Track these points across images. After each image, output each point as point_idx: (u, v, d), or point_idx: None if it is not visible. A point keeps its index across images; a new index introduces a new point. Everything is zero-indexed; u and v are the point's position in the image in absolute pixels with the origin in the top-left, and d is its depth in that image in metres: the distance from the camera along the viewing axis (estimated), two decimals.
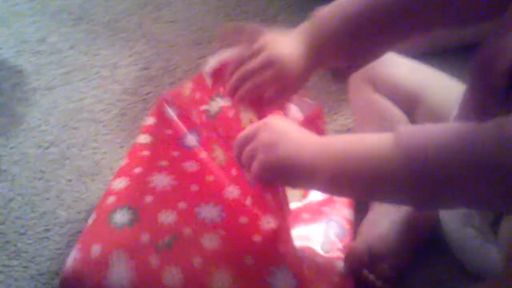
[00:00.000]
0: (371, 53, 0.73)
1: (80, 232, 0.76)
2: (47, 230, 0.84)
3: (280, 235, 0.66)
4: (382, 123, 0.85)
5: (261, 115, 0.70)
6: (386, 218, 0.80)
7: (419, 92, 0.85)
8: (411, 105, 0.86)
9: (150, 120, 0.81)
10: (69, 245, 0.80)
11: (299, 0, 1.23)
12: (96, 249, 0.67)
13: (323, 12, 0.72)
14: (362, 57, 0.72)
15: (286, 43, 0.73)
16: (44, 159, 0.94)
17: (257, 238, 0.67)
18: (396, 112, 0.86)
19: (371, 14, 0.69)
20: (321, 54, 0.71)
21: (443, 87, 0.86)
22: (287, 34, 0.74)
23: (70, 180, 0.91)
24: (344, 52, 0.71)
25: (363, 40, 0.70)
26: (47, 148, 0.96)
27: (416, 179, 0.56)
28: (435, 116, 0.83)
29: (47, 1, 1.28)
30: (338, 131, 0.99)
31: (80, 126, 1.00)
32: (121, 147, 0.96)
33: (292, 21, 1.25)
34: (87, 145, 0.96)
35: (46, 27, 1.21)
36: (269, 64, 0.70)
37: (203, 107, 0.77)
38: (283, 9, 1.24)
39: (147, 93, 1.07)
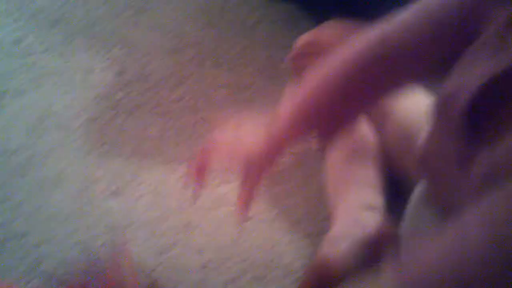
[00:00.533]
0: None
1: (37, 245, 0.74)
2: (3, 241, 0.82)
3: None
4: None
5: None
6: (348, 237, 0.78)
7: (388, 107, 0.83)
8: (381, 119, 0.85)
9: None
10: (25, 259, 0.78)
11: (279, 9, 1.21)
12: None
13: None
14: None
15: None
16: (6, 167, 0.92)
17: None
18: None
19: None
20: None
21: (412, 102, 0.84)
22: None
23: (30, 190, 0.89)
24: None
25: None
26: (10, 156, 0.94)
27: None
28: (403, 132, 0.82)
29: (26, 2, 1.26)
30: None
31: (46, 133, 0.98)
32: (88, 154, 0.95)
33: (272, 30, 1.25)
34: (52, 153, 0.94)
35: (22, 29, 1.19)
36: None
37: None
38: (263, 18, 1.22)
39: (119, 99, 1.05)
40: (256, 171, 0.68)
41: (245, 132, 0.72)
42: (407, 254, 0.63)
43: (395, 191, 0.82)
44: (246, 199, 0.67)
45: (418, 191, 0.75)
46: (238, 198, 0.67)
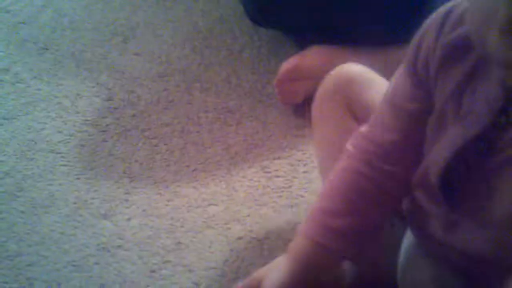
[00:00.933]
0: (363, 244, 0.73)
1: (30, 265, 0.75)
2: None
3: None
4: None
5: None
6: None
7: None
8: None
9: None
10: (17, 279, 0.79)
11: (263, 35, 1.24)
12: None
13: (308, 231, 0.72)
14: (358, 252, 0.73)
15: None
16: None
17: None
18: None
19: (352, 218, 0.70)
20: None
21: None
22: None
23: (23, 212, 0.90)
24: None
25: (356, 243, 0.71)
26: (2, 178, 0.95)
27: None
28: None
29: (14, 29, 1.28)
30: (294, 165, 1.00)
31: (37, 157, 0.99)
32: (78, 178, 0.96)
33: (257, 55, 1.28)
34: (43, 176, 0.96)
35: (11, 57, 1.21)
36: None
37: None
38: (248, 44, 1.24)
39: (107, 125, 1.06)
40: None
41: None
42: None
43: None
44: None
45: (409, 239, 0.76)
46: None
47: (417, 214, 0.72)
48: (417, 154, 0.69)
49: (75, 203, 0.93)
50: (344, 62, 1.09)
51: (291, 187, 0.95)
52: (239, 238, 0.88)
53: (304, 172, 0.97)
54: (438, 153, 0.65)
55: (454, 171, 0.64)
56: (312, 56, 1.09)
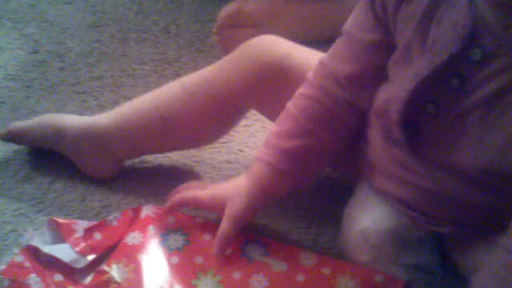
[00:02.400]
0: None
1: None
2: None
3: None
4: None
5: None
6: None
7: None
8: None
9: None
10: None
11: None
12: None
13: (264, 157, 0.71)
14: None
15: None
16: None
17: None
18: None
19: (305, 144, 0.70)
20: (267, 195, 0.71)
21: None
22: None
23: None
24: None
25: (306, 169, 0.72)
26: None
27: None
28: None
29: None
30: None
31: None
32: None
33: (200, 3, 1.19)
34: None
35: None
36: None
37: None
38: None
39: (32, 79, 0.97)
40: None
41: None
42: None
43: None
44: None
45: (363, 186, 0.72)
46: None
47: (371, 153, 0.68)
48: (374, 90, 0.66)
49: None
50: (288, 8, 1.03)
51: (231, 141, 0.88)
52: None
53: (245, 125, 0.89)
54: (401, 85, 0.61)
55: (418, 110, 0.60)
56: (254, 2, 1.01)
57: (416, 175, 0.63)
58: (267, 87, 0.76)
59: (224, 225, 0.69)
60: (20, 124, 0.84)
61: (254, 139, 0.88)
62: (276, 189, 0.71)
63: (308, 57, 0.76)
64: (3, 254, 0.72)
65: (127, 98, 0.92)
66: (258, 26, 0.98)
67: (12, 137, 0.84)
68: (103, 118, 0.83)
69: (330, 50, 0.71)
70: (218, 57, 0.89)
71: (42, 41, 1.04)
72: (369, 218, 0.68)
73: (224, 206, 0.70)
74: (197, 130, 0.81)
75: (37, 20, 1.09)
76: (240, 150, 0.87)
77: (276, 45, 0.77)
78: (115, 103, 0.93)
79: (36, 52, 1.02)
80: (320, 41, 0.97)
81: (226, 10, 0.99)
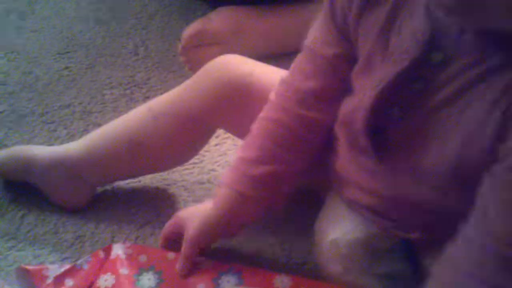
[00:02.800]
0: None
1: None
2: None
3: None
4: None
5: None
6: None
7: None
8: None
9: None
10: None
11: (173, 2, 1.16)
12: None
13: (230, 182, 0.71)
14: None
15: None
16: None
17: None
18: None
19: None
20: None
21: None
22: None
23: None
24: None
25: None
26: None
27: None
28: None
29: None
30: None
31: None
32: None
33: (168, 22, 1.19)
34: None
35: None
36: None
37: None
38: (157, 11, 1.15)
39: (1, 112, 0.97)
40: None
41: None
42: None
43: None
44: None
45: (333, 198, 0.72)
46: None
47: (340, 164, 0.68)
48: (338, 103, 0.67)
49: None
50: (251, 23, 1.03)
51: (202, 161, 0.88)
52: (147, 223, 0.81)
53: (216, 144, 0.89)
54: (364, 93, 0.61)
55: (382, 117, 0.60)
56: (217, 19, 1.01)
57: (383, 182, 0.64)
58: (231, 105, 0.76)
59: (183, 247, 0.70)
60: None
61: (226, 158, 0.88)
62: (247, 215, 0.71)
63: (270, 75, 0.76)
64: None
65: (97, 125, 0.92)
66: (223, 44, 0.98)
67: None
68: (73, 147, 0.82)
69: (292, 68, 0.71)
70: (187, 76, 0.88)
71: (10, 72, 1.04)
72: (339, 229, 0.68)
73: (184, 228, 0.71)
74: (167, 151, 0.80)
75: (4, 50, 1.08)
76: (212, 170, 0.87)
77: (238, 64, 0.78)
78: (84, 131, 0.93)
79: (4, 84, 1.02)
80: (286, 54, 0.98)
81: (189, 30, 0.98)
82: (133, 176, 0.85)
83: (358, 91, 0.64)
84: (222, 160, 0.88)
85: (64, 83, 1.02)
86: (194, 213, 0.72)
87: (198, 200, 0.83)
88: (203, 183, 0.86)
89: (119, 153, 0.80)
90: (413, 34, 0.58)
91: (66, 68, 1.05)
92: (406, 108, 0.60)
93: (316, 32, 0.69)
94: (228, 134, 0.89)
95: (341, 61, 0.66)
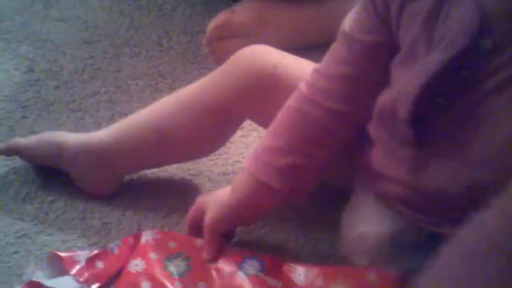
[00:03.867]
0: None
1: None
2: None
3: None
4: None
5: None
6: None
7: None
8: None
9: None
10: None
11: None
12: None
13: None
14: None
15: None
16: None
17: None
18: None
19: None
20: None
21: None
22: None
23: None
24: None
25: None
26: None
27: None
28: None
29: None
30: None
31: None
32: None
33: (190, 15, 1.20)
34: None
35: None
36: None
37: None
38: (180, 3, 1.16)
39: (28, 99, 0.98)
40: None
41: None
42: None
43: None
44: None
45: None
46: None
47: (374, 157, 0.68)
48: (371, 94, 0.66)
49: None
50: (276, 14, 1.04)
51: (227, 153, 0.89)
52: (173, 212, 0.82)
53: (241, 136, 0.90)
54: (409, 82, 0.60)
55: (427, 106, 0.60)
56: (241, 11, 1.02)
57: (423, 174, 0.63)
58: (258, 95, 0.76)
59: (204, 234, 0.72)
60: (20, 140, 0.85)
61: (250, 150, 0.89)
62: (265, 204, 0.72)
63: (298, 65, 0.77)
64: (6, 277, 0.73)
65: (123, 114, 0.94)
66: (248, 36, 0.99)
67: (11, 153, 0.85)
68: (102, 135, 0.84)
69: (327, 56, 0.71)
70: (211, 68, 0.90)
71: (36, 60, 1.05)
72: (367, 222, 0.69)
73: (205, 213, 0.73)
74: (194, 141, 0.81)
75: (30, 39, 1.09)
76: (237, 161, 0.88)
77: (266, 54, 0.78)
78: (111, 120, 0.94)
79: (30, 71, 1.03)
80: (312, 47, 0.99)
81: (215, 22, 1.00)
82: (160, 165, 0.86)
83: (398, 81, 0.63)
84: (247, 152, 0.89)
85: (89, 72, 1.03)
86: (214, 198, 0.73)
87: None
88: (227, 174, 0.87)
89: (147, 142, 0.81)
90: (460, 23, 0.57)
91: (91, 57, 1.06)
92: (452, 97, 0.59)
93: (354, 18, 0.68)
94: (254, 126, 0.90)
95: (380, 49, 0.66)
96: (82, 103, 0.98)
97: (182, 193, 0.85)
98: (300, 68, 0.75)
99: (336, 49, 0.69)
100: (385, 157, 0.66)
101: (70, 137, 0.84)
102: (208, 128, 0.80)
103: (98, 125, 0.93)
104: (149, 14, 1.15)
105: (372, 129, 0.68)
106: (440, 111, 0.60)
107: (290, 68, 0.76)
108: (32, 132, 0.92)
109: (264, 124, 0.79)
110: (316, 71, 0.70)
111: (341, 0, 1.00)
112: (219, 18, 1.00)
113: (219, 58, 1.01)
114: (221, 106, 0.78)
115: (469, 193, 0.61)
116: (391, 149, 0.65)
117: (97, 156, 0.81)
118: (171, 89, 0.99)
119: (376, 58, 0.66)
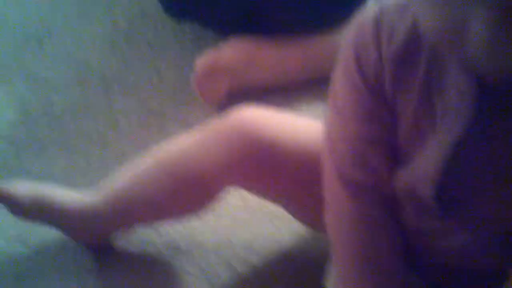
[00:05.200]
0: None
1: None
2: None
3: None
4: None
5: None
6: None
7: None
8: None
9: None
10: None
11: (186, 30, 1.19)
12: None
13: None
14: None
15: None
16: None
17: None
18: None
19: None
20: None
21: None
22: None
23: None
24: None
25: None
26: None
27: None
28: None
29: None
30: None
31: None
32: None
33: (180, 51, 1.23)
34: None
35: None
36: None
37: None
38: (170, 40, 1.19)
39: (21, 138, 1.01)
40: None
41: None
42: None
43: None
44: None
45: None
46: None
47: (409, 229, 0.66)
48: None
49: None
50: (263, 54, 1.06)
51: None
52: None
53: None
54: (427, 165, 0.60)
55: (449, 183, 0.59)
56: (229, 50, 1.05)
57: (454, 240, 0.62)
58: (254, 165, 0.75)
59: None
60: (11, 190, 0.84)
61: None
62: None
63: (296, 133, 0.76)
64: None
65: (113, 153, 0.97)
66: (235, 75, 1.02)
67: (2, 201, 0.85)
68: (92, 199, 0.84)
69: (355, 171, 0.65)
70: (200, 105, 0.93)
71: (29, 98, 1.08)
72: None
73: None
74: (182, 207, 0.81)
75: (23, 76, 1.12)
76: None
77: (264, 120, 0.77)
78: (102, 160, 0.97)
79: (24, 110, 1.06)
80: (297, 83, 1.02)
81: (202, 61, 1.02)
82: (148, 225, 0.87)
83: (413, 156, 0.62)
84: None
85: (81, 110, 1.06)
86: None
87: None
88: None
89: (136, 211, 0.82)
90: (459, 93, 0.56)
91: (83, 95, 1.09)
92: (472, 164, 0.58)
93: (343, 93, 0.64)
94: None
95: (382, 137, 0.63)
96: (73, 141, 1.01)
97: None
98: (298, 136, 0.75)
99: (361, 156, 0.64)
100: (412, 231, 0.65)
101: (61, 199, 0.84)
102: (196, 194, 0.79)
103: (89, 165, 0.96)
104: (140, 52, 1.18)
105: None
106: (463, 178, 0.59)
107: (287, 137, 0.75)
108: (25, 171, 0.95)
109: (257, 192, 0.80)
110: (360, 188, 0.65)
111: (327, 40, 1.04)
112: (207, 58, 1.02)
113: (208, 96, 1.04)
114: (209, 173, 0.76)
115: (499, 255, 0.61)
116: (421, 221, 0.64)
117: (90, 222, 0.83)
118: (161, 127, 1.02)
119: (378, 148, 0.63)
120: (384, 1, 0.60)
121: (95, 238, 0.85)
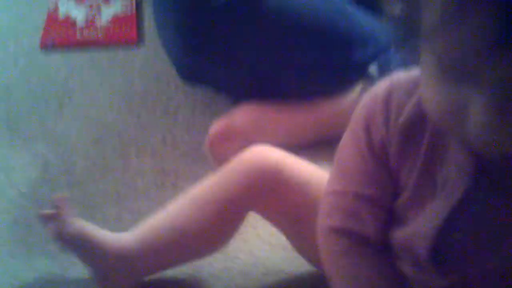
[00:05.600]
0: None
1: None
2: None
3: None
4: None
5: None
6: None
7: None
8: None
9: None
10: None
11: (198, 93, 1.26)
12: None
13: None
14: None
15: None
16: None
17: None
18: None
19: None
20: None
21: None
22: None
23: None
24: None
25: None
26: None
27: None
28: None
29: None
30: None
31: None
32: (13, 256, 0.95)
33: (192, 114, 1.29)
34: None
35: None
36: None
37: None
38: (183, 103, 1.25)
39: (43, 197, 1.06)
40: None
41: None
42: None
43: None
44: None
45: None
46: None
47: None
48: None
49: (11, 284, 0.92)
50: (274, 118, 1.12)
51: (227, 247, 0.96)
52: None
53: (239, 234, 0.99)
54: (424, 228, 0.64)
55: (444, 242, 0.64)
56: (241, 115, 1.10)
57: None
58: (263, 191, 0.84)
59: None
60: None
61: (248, 246, 0.97)
62: None
63: (298, 162, 0.85)
64: None
65: (129, 211, 1.02)
66: (246, 139, 1.07)
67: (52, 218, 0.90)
68: (127, 237, 0.89)
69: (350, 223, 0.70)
70: (212, 165, 0.98)
71: (51, 158, 1.14)
72: None
73: None
74: (210, 235, 0.87)
75: (45, 137, 1.18)
76: (236, 257, 0.96)
77: (268, 152, 0.87)
78: (118, 218, 1.02)
79: (45, 169, 1.12)
80: (310, 146, 1.08)
81: (215, 128, 1.08)
82: (179, 265, 0.92)
83: (409, 220, 0.66)
84: (245, 246, 0.96)
85: (99, 170, 1.12)
86: None
87: None
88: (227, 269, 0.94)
89: (170, 245, 0.87)
90: (459, 168, 0.60)
91: (101, 155, 1.15)
92: (468, 227, 0.62)
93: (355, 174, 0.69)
94: (249, 221, 0.96)
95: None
96: (92, 200, 1.06)
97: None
98: (300, 166, 0.84)
99: (356, 210, 0.69)
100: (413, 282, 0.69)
101: (106, 236, 0.89)
102: (220, 223, 0.87)
103: (105, 222, 1.01)
104: (155, 114, 1.25)
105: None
106: (458, 239, 0.63)
107: (291, 163, 0.85)
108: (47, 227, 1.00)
109: (269, 218, 0.88)
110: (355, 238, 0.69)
111: (337, 103, 1.10)
112: (220, 124, 1.08)
113: (220, 159, 1.10)
114: (231, 201, 0.85)
115: None
116: (417, 276, 0.67)
117: (123, 259, 0.87)
118: (175, 186, 1.08)
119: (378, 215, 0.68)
120: (395, 78, 0.66)
121: (124, 281, 0.88)
